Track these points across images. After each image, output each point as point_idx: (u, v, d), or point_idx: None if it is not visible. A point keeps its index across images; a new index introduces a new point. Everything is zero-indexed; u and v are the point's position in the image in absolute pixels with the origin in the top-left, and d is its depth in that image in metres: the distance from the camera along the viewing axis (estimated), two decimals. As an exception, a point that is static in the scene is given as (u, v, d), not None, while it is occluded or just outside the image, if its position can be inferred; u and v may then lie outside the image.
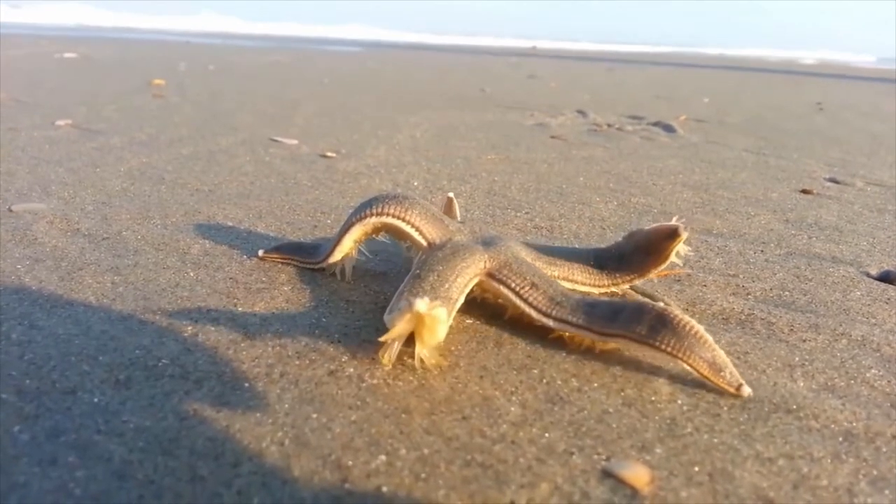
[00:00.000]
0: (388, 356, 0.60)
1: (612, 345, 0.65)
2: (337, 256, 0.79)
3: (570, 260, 0.76)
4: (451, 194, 0.94)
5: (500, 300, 0.71)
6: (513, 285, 0.68)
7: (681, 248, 0.74)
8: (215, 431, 0.51)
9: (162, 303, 0.72)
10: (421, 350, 0.59)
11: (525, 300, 0.68)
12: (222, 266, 0.84)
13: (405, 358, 0.61)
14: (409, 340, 0.60)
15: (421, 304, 0.56)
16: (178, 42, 7.60)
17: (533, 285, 0.68)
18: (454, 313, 0.65)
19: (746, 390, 0.59)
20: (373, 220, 0.75)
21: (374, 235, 0.79)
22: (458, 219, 0.93)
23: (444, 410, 0.55)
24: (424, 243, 0.73)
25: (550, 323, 0.66)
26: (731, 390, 0.59)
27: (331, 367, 0.61)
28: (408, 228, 0.73)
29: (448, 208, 0.93)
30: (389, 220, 0.74)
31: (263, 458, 0.48)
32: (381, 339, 0.59)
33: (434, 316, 0.56)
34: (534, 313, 0.67)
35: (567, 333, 0.66)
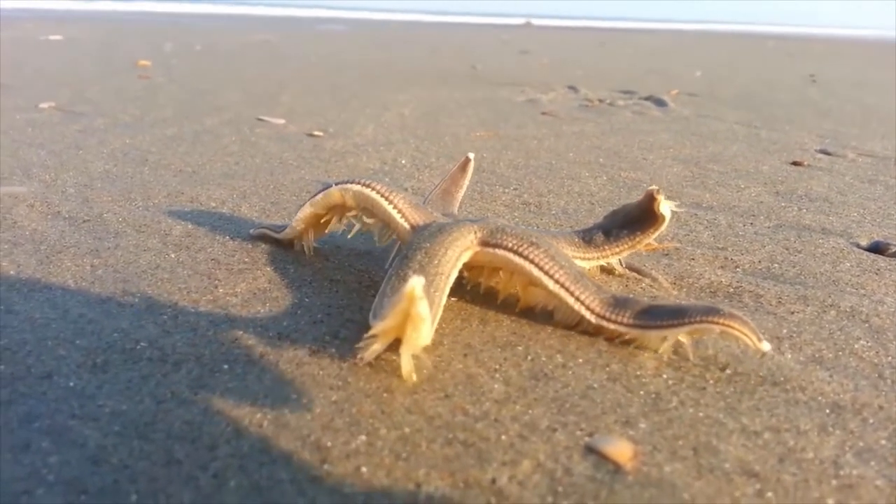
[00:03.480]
0: (369, 355, 0.55)
1: (609, 330, 0.62)
2: (306, 210, 0.76)
3: (556, 236, 0.74)
4: (470, 155, 0.89)
5: (494, 279, 0.70)
6: (510, 244, 0.65)
7: (670, 205, 0.73)
8: (192, 414, 0.50)
9: (142, 285, 0.71)
10: (406, 352, 0.53)
11: (526, 257, 0.64)
12: (204, 247, 0.82)
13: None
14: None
15: (417, 282, 0.48)
16: (165, 22, 7.49)
17: (532, 244, 0.65)
18: (447, 290, 0.62)
19: (766, 345, 0.56)
20: (355, 188, 0.72)
21: (351, 217, 0.76)
22: (466, 185, 0.89)
23: (427, 389, 0.54)
24: (407, 226, 0.70)
25: (550, 284, 0.63)
26: (757, 342, 0.56)
27: (313, 347, 0.60)
28: (389, 208, 0.71)
29: (461, 170, 0.88)
30: (372, 193, 0.71)
31: (241, 441, 0.47)
32: (365, 346, 0.54)
33: (420, 306, 0.49)
34: (534, 270, 0.63)
35: (560, 303, 0.63)
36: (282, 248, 0.83)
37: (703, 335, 0.59)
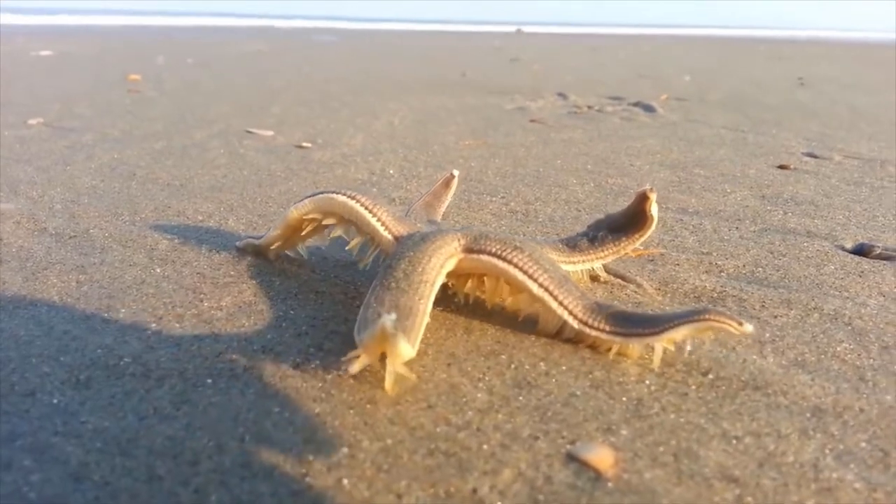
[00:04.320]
0: (354, 370, 0.55)
1: (591, 337, 0.62)
2: (287, 217, 0.76)
3: (540, 243, 0.75)
4: (455, 171, 0.89)
5: (480, 289, 0.70)
6: (493, 250, 0.65)
7: (655, 207, 0.74)
8: (175, 430, 0.50)
9: (127, 300, 0.71)
10: (392, 367, 0.54)
11: (510, 262, 0.64)
12: (190, 261, 0.83)
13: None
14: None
15: (388, 320, 0.49)
16: (157, 36, 7.51)
17: (516, 248, 0.65)
18: (432, 298, 0.62)
19: (749, 326, 0.55)
20: (341, 199, 0.72)
21: (333, 227, 0.76)
22: (448, 201, 0.89)
23: (410, 399, 0.54)
24: (390, 237, 0.70)
25: (534, 288, 0.63)
26: (738, 326, 0.55)
27: (297, 360, 0.60)
28: (373, 220, 0.71)
29: (444, 186, 0.88)
30: (357, 206, 0.71)
31: (223, 456, 0.47)
32: (349, 361, 0.54)
33: (397, 344, 0.50)
34: (518, 274, 0.63)
35: (544, 307, 0.63)
36: (267, 262, 0.83)
37: (685, 339, 0.59)
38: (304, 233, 0.78)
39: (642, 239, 0.74)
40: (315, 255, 0.85)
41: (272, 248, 0.82)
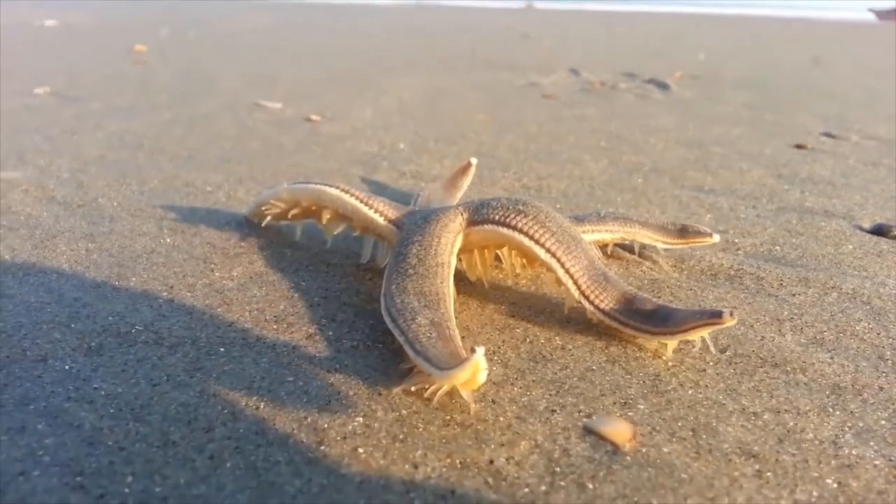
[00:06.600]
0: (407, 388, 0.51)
1: (589, 311, 0.60)
2: (286, 195, 0.75)
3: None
4: (472, 160, 0.86)
5: (483, 260, 0.69)
6: (496, 217, 0.62)
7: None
8: (188, 397, 0.49)
9: (137, 269, 0.71)
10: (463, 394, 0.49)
11: (514, 227, 0.61)
12: (199, 231, 0.82)
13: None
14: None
15: (480, 353, 0.45)
16: (163, 7, 7.43)
17: (519, 212, 0.62)
18: (451, 276, 0.60)
19: (727, 314, 0.52)
20: (335, 192, 0.71)
21: (330, 221, 0.75)
22: (465, 188, 0.88)
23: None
24: (387, 223, 0.68)
25: (542, 254, 0.60)
26: (721, 321, 0.53)
27: (309, 331, 0.59)
28: (370, 212, 0.69)
29: (462, 173, 0.86)
30: (351, 199, 0.69)
31: (237, 423, 0.47)
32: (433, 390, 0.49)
33: (482, 377, 0.47)
34: (525, 240, 0.61)
35: (554, 273, 0.60)
36: (276, 233, 0.82)
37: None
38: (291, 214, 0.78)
39: (659, 242, 0.74)
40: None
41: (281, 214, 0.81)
